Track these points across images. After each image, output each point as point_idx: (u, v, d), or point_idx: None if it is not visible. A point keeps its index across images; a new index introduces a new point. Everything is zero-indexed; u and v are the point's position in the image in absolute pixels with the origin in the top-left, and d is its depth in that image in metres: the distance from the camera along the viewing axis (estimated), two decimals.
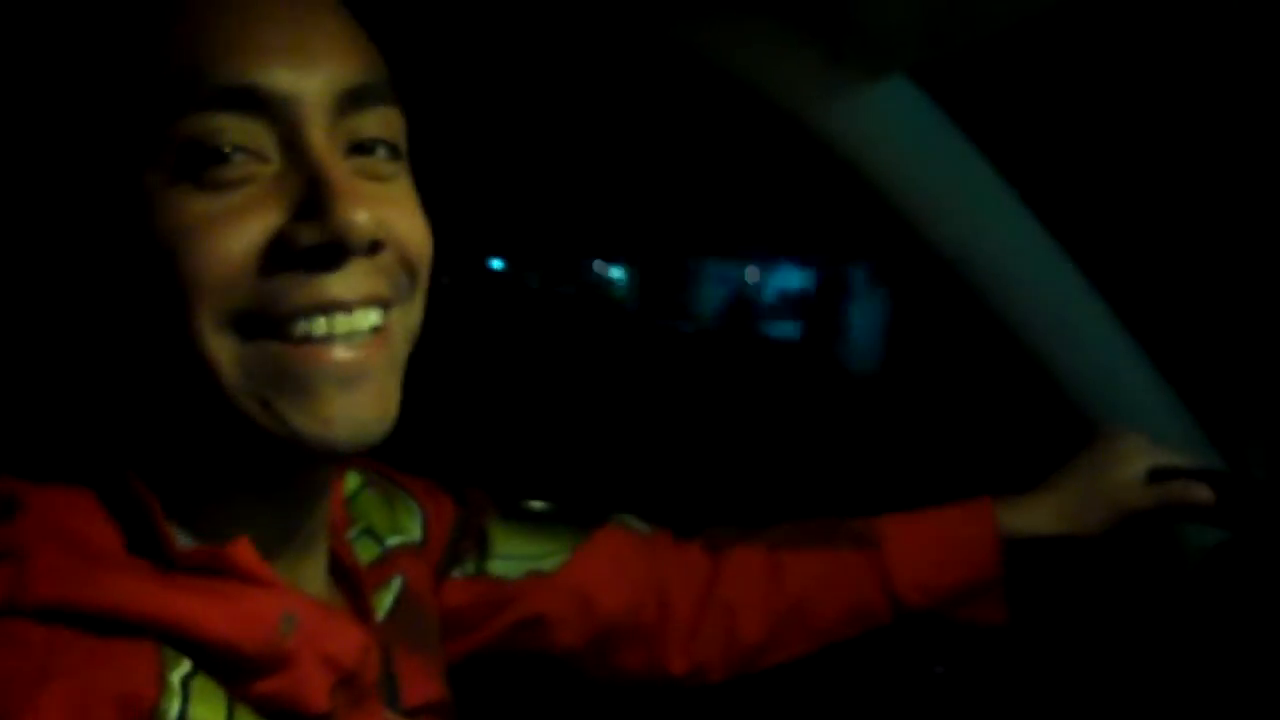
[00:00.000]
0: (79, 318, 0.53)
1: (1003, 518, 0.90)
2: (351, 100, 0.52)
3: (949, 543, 0.89)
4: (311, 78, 0.51)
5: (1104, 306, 0.98)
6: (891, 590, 0.88)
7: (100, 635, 0.47)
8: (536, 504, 0.89)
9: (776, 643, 0.89)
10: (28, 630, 0.46)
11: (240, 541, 0.53)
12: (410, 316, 0.56)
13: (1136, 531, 0.91)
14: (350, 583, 0.65)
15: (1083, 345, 0.98)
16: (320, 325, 0.51)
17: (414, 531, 0.76)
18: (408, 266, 0.54)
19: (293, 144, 0.50)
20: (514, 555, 0.82)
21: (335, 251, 0.50)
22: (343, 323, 0.52)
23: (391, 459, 0.71)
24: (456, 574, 0.80)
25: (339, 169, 0.51)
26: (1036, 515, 0.91)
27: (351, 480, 0.73)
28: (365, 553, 0.69)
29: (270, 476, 0.55)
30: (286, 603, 0.53)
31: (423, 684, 0.68)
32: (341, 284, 0.51)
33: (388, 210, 0.53)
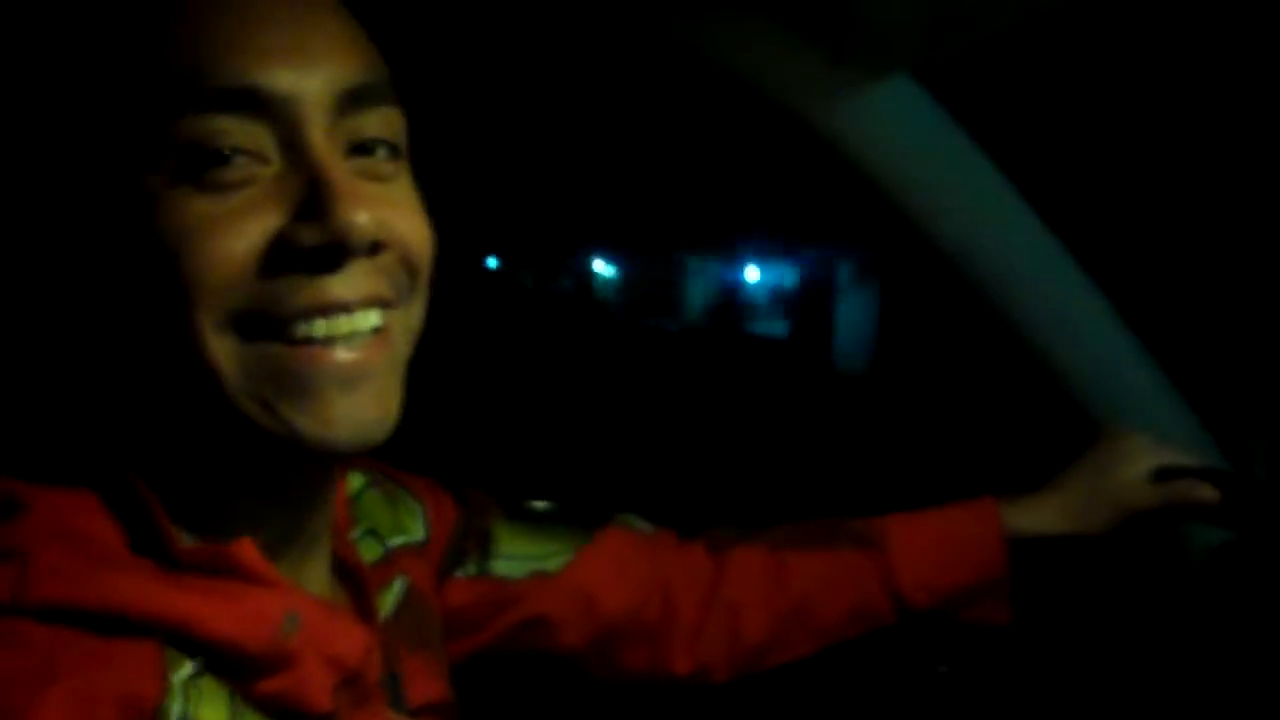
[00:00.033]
0: (81, 319, 0.53)
1: (1007, 517, 0.89)
2: (352, 100, 0.52)
3: (953, 543, 0.89)
4: (311, 78, 0.51)
5: (1108, 305, 0.98)
6: (895, 590, 0.88)
7: (103, 635, 0.47)
8: (539, 504, 0.89)
9: (780, 643, 0.88)
10: (30, 630, 0.46)
11: (243, 541, 0.53)
12: (411, 317, 0.56)
13: (1141, 531, 0.91)
14: (353, 583, 0.65)
15: (1087, 344, 0.98)
16: (321, 327, 0.51)
17: (417, 531, 0.76)
18: (409, 267, 0.54)
19: (293, 145, 0.50)
20: (517, 555, 0.82)
21: (336, 252, 0.50)
22: (344, 324, 0.51)
23: (389, 458, 0.71)
24: (459, 574, 0.80)
25: (339, 170, 0.51)
26: (1040, 515, 0.90)
27: (354, 480, 0.73)
28: (368, 553, 0.69)
29: (272, 477, 0.55)
30: (289, 602, 0.53)
31: (426, 684, 0.68)
32: (342, 285, 0.51)
33: (388, 211, 0.52)
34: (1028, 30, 0.84)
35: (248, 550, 0.53)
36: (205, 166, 0.49)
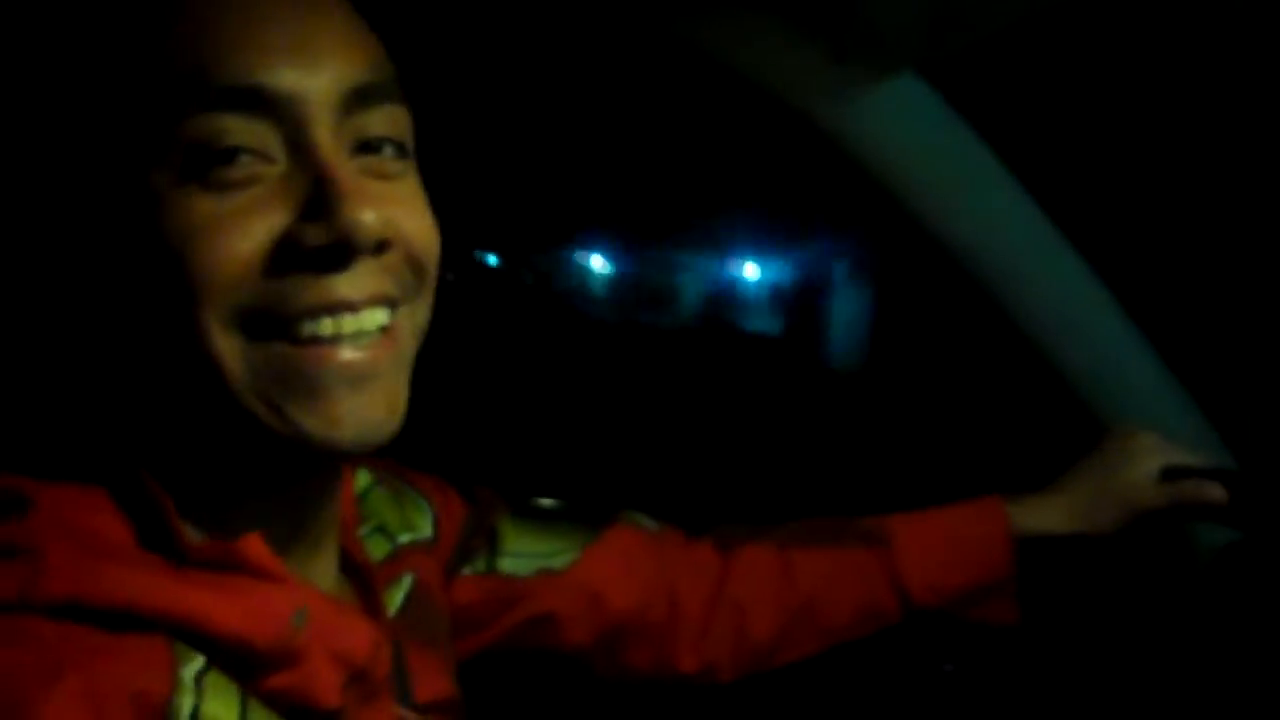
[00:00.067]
0: (88, 317, 0.53)
1: (1014, 517, 0.89)
2: (358, 99, 0.52)
3: (960, 542, 0.89)
4: (317, 77, 0.51)
5: (1115, 304, 0.98)
6: (902, 589, 0.88)
7: (113, 631, 0.47)
8: (546, 502, 0.89)
9: (787, 641, 0.88)
10: (41, 626, 0.46)
11: (252, 537, 0.53)
12: (418, 315, 0.56)
13: (1148, 531, 0.91)
14: (361, 579, 0.65)
15: (1093, 342, 0.97)
16: (327, 326, 0.51)
17: (425, 529, 0.76)
18: (415, 265, 0.54)
19: (298, 144, 0.50)
20: (524, 553, 0.82)
21: (342, 251, 0.50)
22: (350, 323, 0.51)
23: (396, 456, 0.71)
24: (467, 571, 0.80)
25: (345, 168, 0.51)
26: (1047, 514, 0.90)
27: (362, 478, 0.73)
28: (376, 550, 0.69)
29: (280, 475, 0.55)
30: (298, 598, 0.53)
31: (433, 680, 0.68)
32: (348, 284, 0.51)
33: (394, 209, 0.52)
34: (1033, 26, 0.84)
35: (256, 546, 0.53)
36: (210, 165, 0.49)
